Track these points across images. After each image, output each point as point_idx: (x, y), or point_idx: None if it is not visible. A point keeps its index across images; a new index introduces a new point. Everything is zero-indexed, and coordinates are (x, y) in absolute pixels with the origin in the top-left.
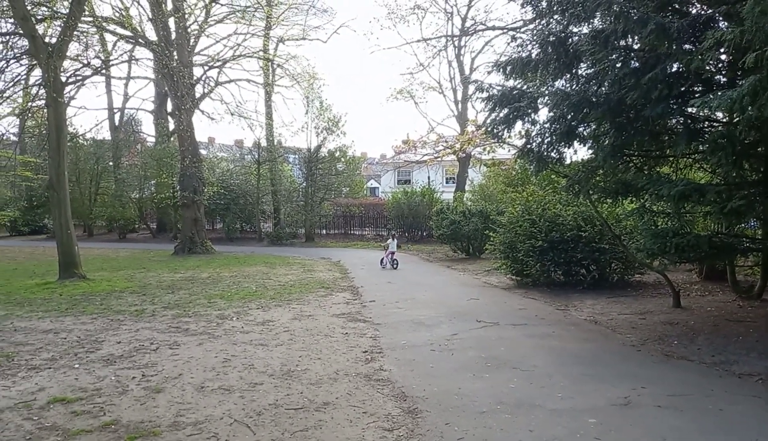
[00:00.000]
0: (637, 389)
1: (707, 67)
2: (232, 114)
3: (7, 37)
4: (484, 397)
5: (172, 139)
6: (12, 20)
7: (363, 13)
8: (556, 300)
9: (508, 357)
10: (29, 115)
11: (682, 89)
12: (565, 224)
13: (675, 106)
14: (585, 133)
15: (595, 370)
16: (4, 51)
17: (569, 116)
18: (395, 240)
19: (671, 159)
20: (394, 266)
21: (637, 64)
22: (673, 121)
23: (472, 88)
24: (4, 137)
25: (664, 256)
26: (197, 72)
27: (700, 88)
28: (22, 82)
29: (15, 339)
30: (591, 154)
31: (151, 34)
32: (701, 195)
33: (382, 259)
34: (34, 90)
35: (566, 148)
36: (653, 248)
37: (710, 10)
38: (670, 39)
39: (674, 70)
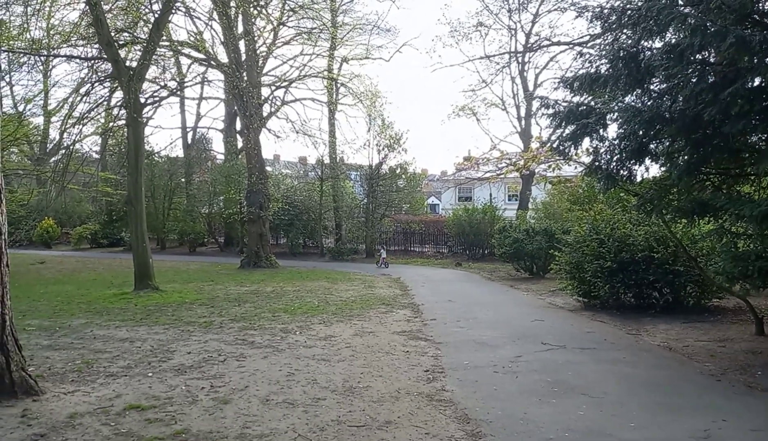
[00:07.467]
0: (718, 422)
1: None
2: (296, 132)
3: (92, 62)
4: (551, 424)
5: (240, 156)
6: (97, 46)
7: (426, 32)
8: (627, 324)
9: (575, 382)
10: (110, 134)
11: (765, 104)
12: (635, 244)
13: (757, 122)
14: (657, 150)
15: (671, 400)
16: (90, 75)
17: (641, 132)
18: (384, 249)
19: (752, 177)
20: (386, 266)
21: (715, 79)
22: (755, 137)
23: (536, 104)
24: (88, 155)
25: (746, 280)
26: (265, 92)
27: None
28: (105, 103)
29: (94, 346)
30: (664, 171)
31: (223, 57)
32: None
33: (378, 262)
34: (115, 111)
35: (637, 166)
36: (733, 272)
37: None
38: (751, 52)
39: (756, 84)
